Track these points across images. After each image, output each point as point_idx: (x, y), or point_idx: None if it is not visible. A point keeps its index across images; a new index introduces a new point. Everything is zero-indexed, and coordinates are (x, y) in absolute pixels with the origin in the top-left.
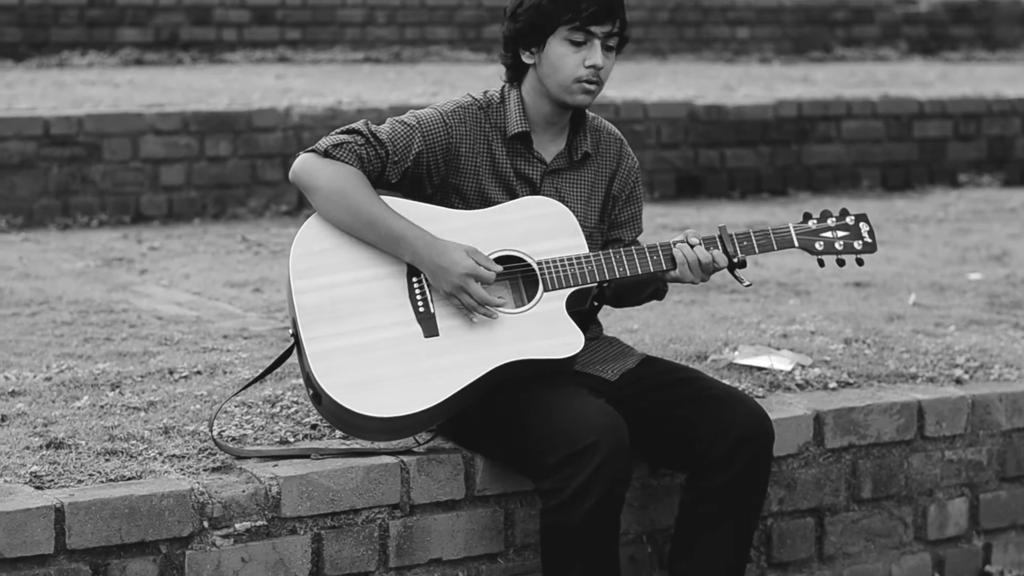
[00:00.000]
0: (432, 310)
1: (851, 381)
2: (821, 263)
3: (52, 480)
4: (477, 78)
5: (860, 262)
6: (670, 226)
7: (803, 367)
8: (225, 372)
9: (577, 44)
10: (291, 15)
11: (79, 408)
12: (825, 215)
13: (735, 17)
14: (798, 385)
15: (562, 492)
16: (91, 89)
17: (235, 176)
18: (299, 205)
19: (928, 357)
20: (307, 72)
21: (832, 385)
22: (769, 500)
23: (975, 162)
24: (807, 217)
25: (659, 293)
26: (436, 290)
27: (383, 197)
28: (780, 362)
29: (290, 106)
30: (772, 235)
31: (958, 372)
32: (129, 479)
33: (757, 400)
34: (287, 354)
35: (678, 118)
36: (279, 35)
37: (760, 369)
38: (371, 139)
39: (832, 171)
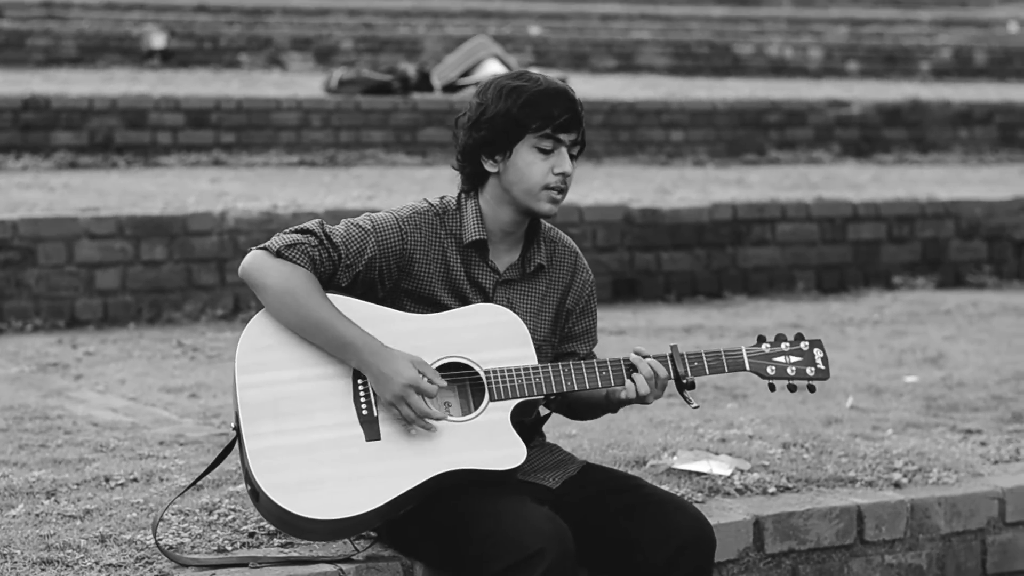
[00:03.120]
0: (375, 413)
1: (790, 486)
2: (772, 387)
3: None
4: (412, 181)
5: (812, 388)
6: (606, 329)
7: (742, 472)
8: (161, 479)
9: (545, 152)
10: (226, 119)
11: (14, 517)
12: (779, 339)
13: (669, 120)
14: (737, 490)
15: None
16: (26, 192)
17: (170, 280)
18: (235, 309)
19: (866, 461)
20: (242, 175)
21: (771, 490)
22: None
23: (909, 264)
24: (761, 340)
25: (612, 409)
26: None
27: (333, 296)
28: (719, 467)
29: (225, 210)
30: (724, 357)
31: (897, 476)
32: None
33: (697, 505)
34: (230, 447)
35: (614, 221)
36: (214, 138)
37: (699, 474)
38: (325, 241)
39: (767, 274)
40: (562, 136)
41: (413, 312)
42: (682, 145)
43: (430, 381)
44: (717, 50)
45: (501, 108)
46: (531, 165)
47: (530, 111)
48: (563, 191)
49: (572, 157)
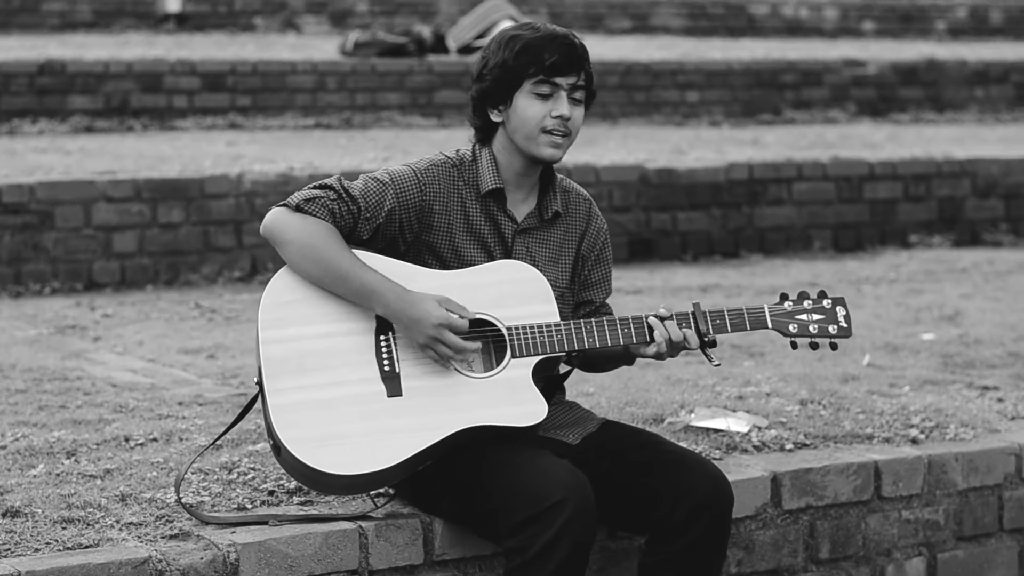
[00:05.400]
0: (397, 370)
1: (807, 442)
2: (794, 345)
3: (9, 549)
4: (429, 143)
5: (834, 346)
6: (623, 289)
7: (759, 429)
8: (181, 439)
9: (543, 96)
10: (241, 82)
11: (35, 476)
12: (802, 296)
13: (684, 81)
14: (755, 447)
15: (528, 550)
16: (42, 157)
17: (188, 243)
18: (252, 271)
19: (884, 418)
20: (258, 138)
21: (789, 447)
22: (728, 562)
23: (925, 223)
24: (783, 298)
25: (629, 361)
26: (403, 349)
27: (356, 252)
28: (737, 424)
29: (242, 172)
30: (746, 315)
31: (914, 432)
32: (86, 547)
33: (714, 462)
34: (253, 402)
35: (630, 181)
36: (230, 102)
37: (717, 431)
38: (343, 195)
39: (784, 233)
40: (558, 80)
41: (435, 268)
42: (697, 106)
43: (460, 316)
44: (732, 10)
45: (499, 58)
46: (528, 110)
47: (524, 58)
48: (565, 135)
49: (576, 102)
